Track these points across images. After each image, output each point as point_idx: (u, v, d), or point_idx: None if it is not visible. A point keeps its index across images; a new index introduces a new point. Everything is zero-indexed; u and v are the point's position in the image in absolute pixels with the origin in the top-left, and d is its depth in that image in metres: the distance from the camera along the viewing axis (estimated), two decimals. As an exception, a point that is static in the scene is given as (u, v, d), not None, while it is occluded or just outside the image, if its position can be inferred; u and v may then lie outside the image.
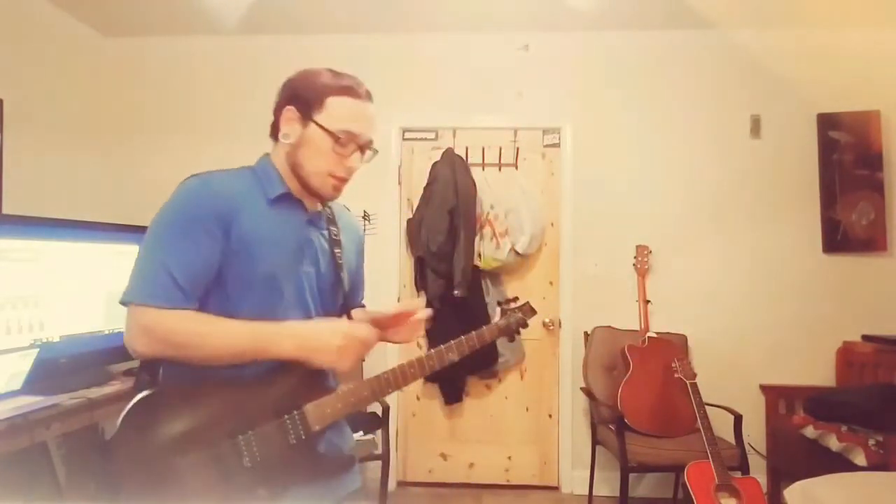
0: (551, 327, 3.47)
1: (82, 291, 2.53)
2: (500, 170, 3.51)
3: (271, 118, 1.26)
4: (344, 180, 1.24)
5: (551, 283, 3.51)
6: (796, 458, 2.84)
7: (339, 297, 1.34)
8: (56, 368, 2.34)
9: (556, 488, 3.46)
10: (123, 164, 3.52)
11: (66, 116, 3.28)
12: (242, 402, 1.16)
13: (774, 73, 3.36)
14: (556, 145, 3.52)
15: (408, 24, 3.41)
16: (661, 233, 3.38)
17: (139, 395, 1.11)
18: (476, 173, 3.44)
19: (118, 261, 2.75)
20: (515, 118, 3.52)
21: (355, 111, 1.22)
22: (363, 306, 1.47)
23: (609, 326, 3.27)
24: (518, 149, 3.52)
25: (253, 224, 1.17)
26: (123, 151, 3.54)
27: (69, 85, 3.30)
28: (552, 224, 3.50)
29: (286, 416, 1.16)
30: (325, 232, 1.31)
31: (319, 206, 1.31)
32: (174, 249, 1.12)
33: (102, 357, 2.65)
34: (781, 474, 3.00)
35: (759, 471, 3.00)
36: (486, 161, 3.51)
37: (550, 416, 3.49)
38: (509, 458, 3.50)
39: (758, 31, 3.37)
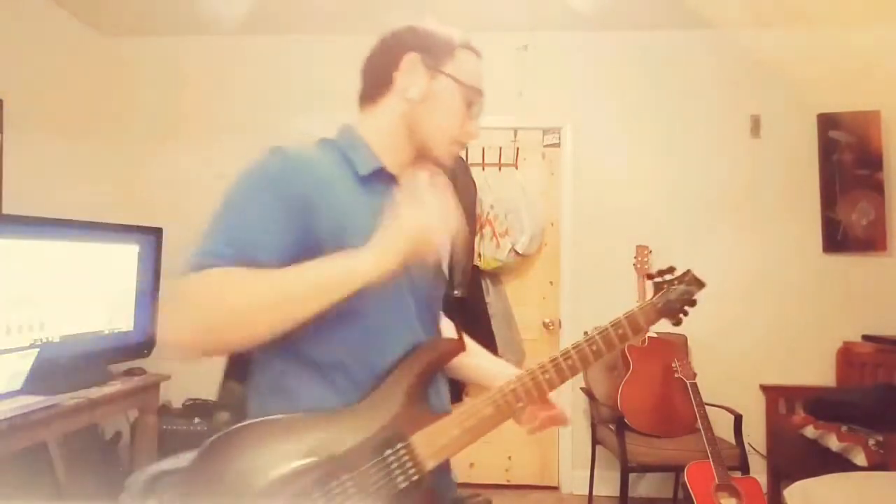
0: (551, 327, 3.47)
1: (82, 291, 2.54)
2: (500, 170, 3.51)
3: (357, 82, 1.05)
4: (462, 148, 1.03)
5: (551, 283, 3.51)
6: (796, 458, 2.84)
7: (440, 302, 1.07)
8: (56, 368, 2.34)
9: (556, 488, 3.46)
10: (123, 164, 3.51)
11: (66, 116, 3.28)
12: (336, 437, 0.89)
13: (774, 73, 3.36)
14: (556, 145, 3.51)
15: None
16: (662, 233, 3.37)
17: (217, 434, 0.87)
18: (476, 173, 3.44)
19: (118, 261, 2.76)
20: (515, 118, 3.51)
21: (480, 70, 1.03)
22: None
23: (609, 326, 3.27)
24: (518, 149, 3.52)
25: (345, 208, 0.91)
26: (123, 151, 3.53)
27: (69, 85, 3.29)
28: (552, 224, 3.50)
29: (388, 452, 0.89)
30: None
31: None
32: (244, 215, 0.88)
33: (102, 357, 2.66)
34: (781, 474, 3.00)
35: (759, 471, 3.00)
36: (486, 161, 3.51)
37: (550, 416, 3.48)
38: (509, 458, 3.50)
39: (758, 31, 3.37)
